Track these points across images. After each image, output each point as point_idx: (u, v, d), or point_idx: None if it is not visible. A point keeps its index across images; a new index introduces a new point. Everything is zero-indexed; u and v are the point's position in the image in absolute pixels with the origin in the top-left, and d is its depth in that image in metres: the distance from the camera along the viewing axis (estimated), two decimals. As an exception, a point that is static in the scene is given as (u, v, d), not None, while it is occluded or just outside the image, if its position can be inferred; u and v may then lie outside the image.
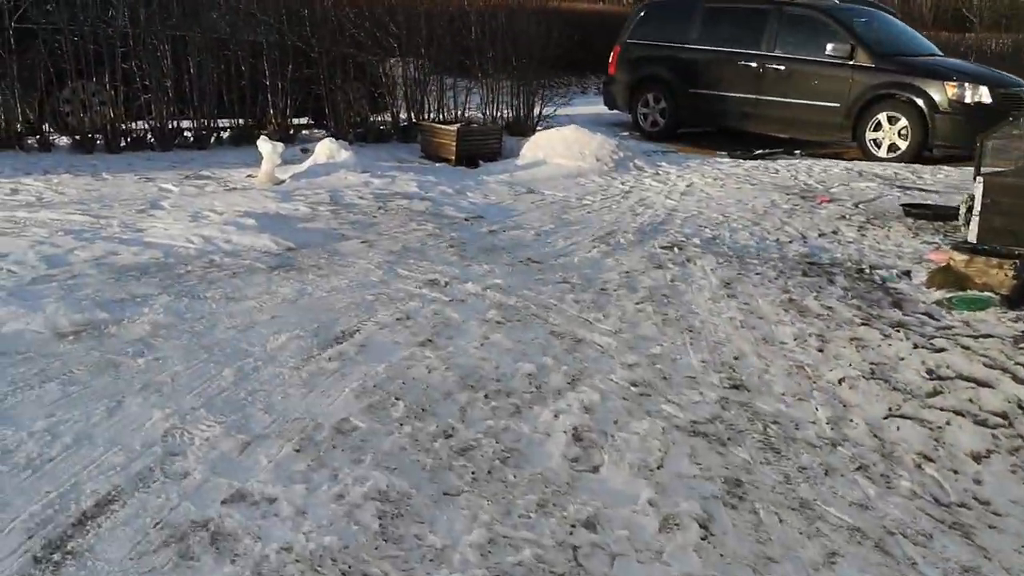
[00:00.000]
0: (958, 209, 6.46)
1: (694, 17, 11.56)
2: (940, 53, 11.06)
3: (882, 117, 9.79)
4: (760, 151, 9.60)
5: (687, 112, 11.64)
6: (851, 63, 10.00)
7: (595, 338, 3.91)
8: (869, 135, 9.89)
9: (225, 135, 8.80)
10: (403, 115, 9.81)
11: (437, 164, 8.42)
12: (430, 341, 3.71)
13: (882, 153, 9.78)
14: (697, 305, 4.43)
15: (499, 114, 10.69)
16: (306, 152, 7.95)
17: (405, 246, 5.18)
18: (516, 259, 5.08)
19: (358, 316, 3.96)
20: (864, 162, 9.22)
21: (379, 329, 3.80)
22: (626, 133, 12.27)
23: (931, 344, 4.00)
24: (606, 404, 3.24)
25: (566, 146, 8.44)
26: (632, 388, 3.41)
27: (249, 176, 7.10)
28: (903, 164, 9.22)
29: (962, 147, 9.49)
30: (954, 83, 9.41)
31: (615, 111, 12.83)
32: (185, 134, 8.49)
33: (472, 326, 3.92)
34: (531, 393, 3.30)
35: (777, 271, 5.10)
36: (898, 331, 4.15)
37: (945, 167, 9.09)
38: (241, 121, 8.82)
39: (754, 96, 10.83)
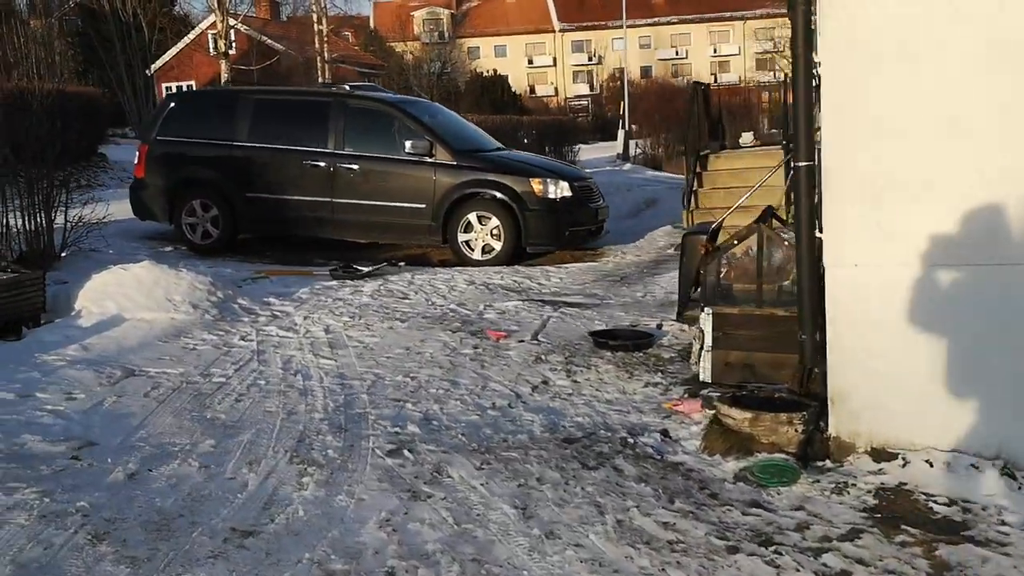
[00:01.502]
0: (651, 336, 5.98)
1: (240, 111, 10.02)
2: (502, 146, 10.97)
3: (472, 217, 9.28)
4: (367, 268, 8.39)
5: (247, 220, 10.02)
6: (431, 160, 9.33)
7: None
8: (461, 236, 9.31)
9: None
10: None
11: (-49, 340, 5.79)
12: None
13: (476, 255, 9.25)
14: (530, 570, 3.10)
15: (7, 242, 8.04)
16: None
17: (17, 562, 2.99)
18: (218, 539, 3.22)
19: None
20: (477, 271, 8.54)
21: None
22: (170, 248, 10.24)
23: (826, 567, 3.19)
24: None
25: (144, 292, 6.37)
26: None
27: None
28: (512, 269, 8.75)
29: (553, 243, 9.36)
30: (539, 179, 9.24)
31: (149, 221, 10.66)
32: None
33: None
34: None
35: (554, 466, 3.98)
36: (778, 552, 3.28)
37: (550, 268, 8.84)
38: None
39: (327, 199, 9.63)
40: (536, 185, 9.17)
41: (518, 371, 5.37)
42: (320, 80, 35.25)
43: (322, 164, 9.61)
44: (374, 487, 3.71)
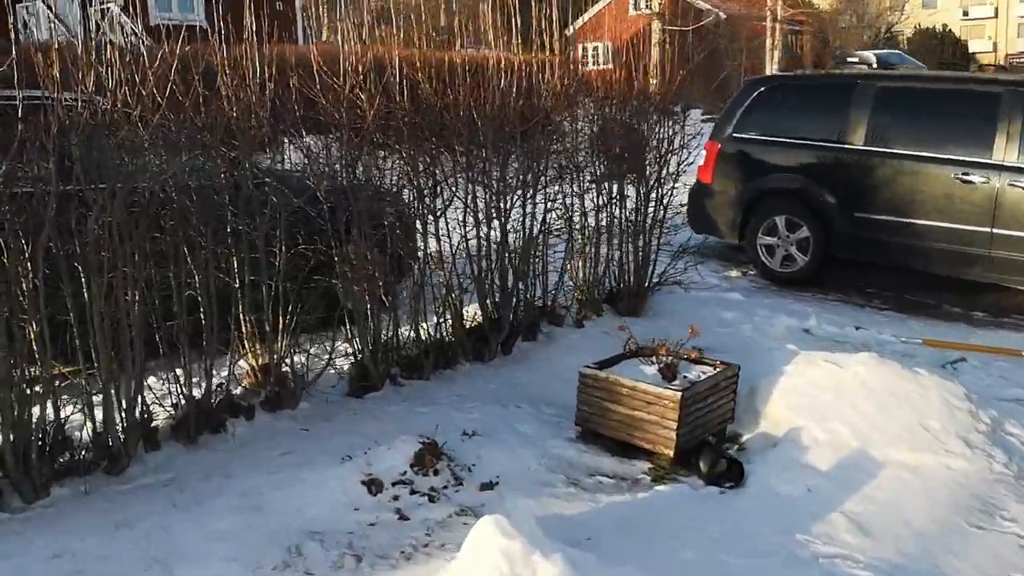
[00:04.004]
0: None
1: (858, 102, 7.56)
2: None
3: None
4: None
5: (848, 245, 7.63)
6: None
7: None
8: None
9: (161, 423, 4.06)
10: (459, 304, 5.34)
11: (636, 466, 4.03)
12: None
13: None
14: None
15: (600, 275, 6.40)
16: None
17: None
18: None
19: None
20: None
21: None
22: (735, 272, 8.20)
23: None
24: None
25: (880, 407, 4.19)
26: None
27: None
28: None
29: None
30: None
31: (706, 235, 8.71)
32: (71, 439, 3.73)
33: None
34: None
35: None
36: None
37: None
38: (193, 391, 4.10)
39: (984, 228, 6.91)
40: None
41: None
42: (769, 41, 32.07)
43: (979, 180, 6.91)
44: None
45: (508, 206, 5.41)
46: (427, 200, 5.16)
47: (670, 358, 4.31)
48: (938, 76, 8.30)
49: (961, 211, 7.01)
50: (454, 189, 5.29)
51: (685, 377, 4.25)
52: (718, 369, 4.32)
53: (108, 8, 16.65)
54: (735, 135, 8.24)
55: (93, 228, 3.55)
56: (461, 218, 5.38)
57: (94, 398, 3.77)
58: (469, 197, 5.33)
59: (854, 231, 7.53)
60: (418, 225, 5.21)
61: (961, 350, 5.76)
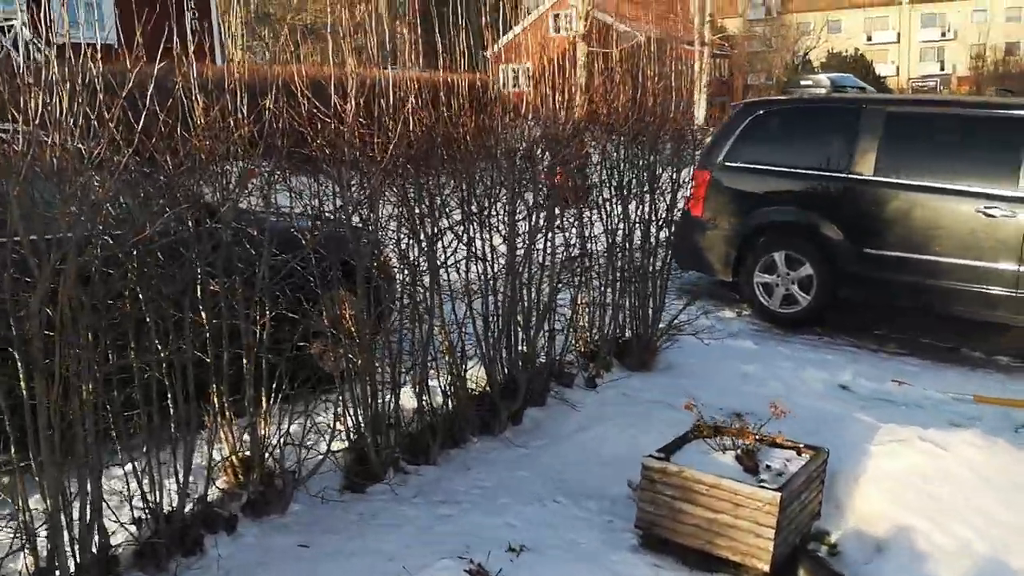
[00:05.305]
0: None
1: (862, 129, 7.02)
2: None
3: None
4: None
5: (855, 284, 7.06)
6: None
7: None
8: None
9: (121, 547, 3.11)
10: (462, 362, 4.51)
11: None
12: None
13: None
14: None
15: (605, 325, 5.63)
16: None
17: None
18: None
19: None
20: None
21: None
22: (730, 313, 7.59)
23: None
24: None
25: (1008, 507, 3.52)
26: None
27: None
28: None
29: None
30: None
31: (694, 272, 8.09)
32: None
33: None
34: None
35: None
36: None
37: None
38: (161, 501, 3.17)
39: (1012, 267, 6.41)
40: None
41: None
42: (698, 65, 31.89)
43: (1004, 214, 6.40)
44: None
45: (524, 257, 4.61)
46: (427, 249, 4.31)
47: (752, 443, 3.56)
48: (955, 100, 7.82)
49: (984, 248, 6.49)
50: (461, 237, 4.46)
51: (768, 467, 3.52)
52: (806, 456, 3.59)
53: (11, 24, 15.25)
54: (728, 163, 7.62)
55: (37, 306, 2.61)
56: (464, 267, 4.57)
57: (34, 516, 2.82)
58: (476, 244, 4.52)
59: (863, 269, 6.96)
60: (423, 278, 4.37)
61: (1018, 407, 5.19)
